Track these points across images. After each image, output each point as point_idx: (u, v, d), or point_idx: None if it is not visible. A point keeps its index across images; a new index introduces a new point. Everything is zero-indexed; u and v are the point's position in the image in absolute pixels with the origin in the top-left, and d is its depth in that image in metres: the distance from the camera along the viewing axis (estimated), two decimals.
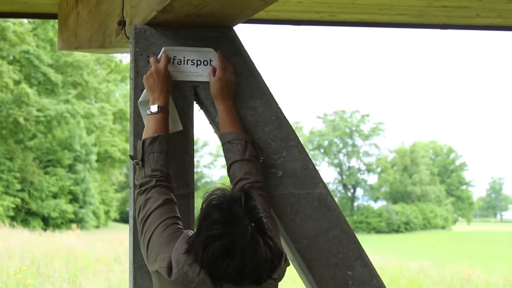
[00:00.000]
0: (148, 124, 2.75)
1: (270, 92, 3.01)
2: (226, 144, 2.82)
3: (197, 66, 2.92)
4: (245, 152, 2.79)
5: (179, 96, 2.89)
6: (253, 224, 2.15)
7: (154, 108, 2.74)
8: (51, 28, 35.71)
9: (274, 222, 2.70)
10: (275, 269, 2.25)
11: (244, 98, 2.96)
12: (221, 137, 2.87)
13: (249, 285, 2.19)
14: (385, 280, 3.19)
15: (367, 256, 3.03)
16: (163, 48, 2.85)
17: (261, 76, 3.01)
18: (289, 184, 2.97)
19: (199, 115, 3.03)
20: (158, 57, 2.86)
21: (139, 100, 2.86)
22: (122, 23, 3.08)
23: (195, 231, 2.24)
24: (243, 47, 2.99)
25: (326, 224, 2.98)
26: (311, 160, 3.01)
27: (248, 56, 3.00)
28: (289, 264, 2.43)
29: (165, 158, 2.67)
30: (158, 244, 2.45)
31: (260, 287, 2.22)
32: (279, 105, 3.03)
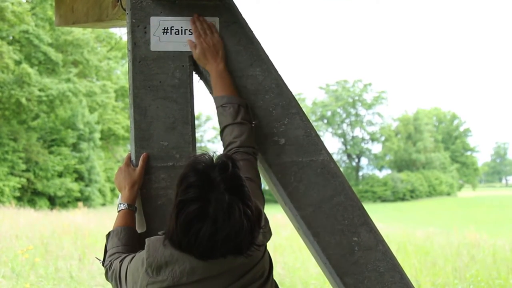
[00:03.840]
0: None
1: (269, 60, 2.98)
2: (219, 108, 2.78)
3: None
4: (237, 116, 2.75)
5: (178, 66, 2.86)
6: (230, 190, 2.08)
7: (119, 207, 2.76)
8: (49, 7, 35.57)
9: (256, 186, 2.60)
10: (257, 236, 2.18)
11: (244, 67, 2.93)
12: (214, 101, 2.83)
13: (229, 256, 2.13)
14: (392, 247, 3.18)
15: (372, 222, 3.01)
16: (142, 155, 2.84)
17: (260, 44, 2.97)
18: (292, 151, 2.95)
19: (199, 86, 3.01)
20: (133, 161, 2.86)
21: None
22: None
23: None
24: (241, 15, 2.95)
25: (330, 190, 2.96)
26: (313, 127, 2.99)
27: (247, 24, 2.96)
28: (268, 223, 2.35)
29: (115, 252, 2.60)
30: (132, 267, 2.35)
31: (242, 256, 2.16)
32: (279, 73, 3.00)
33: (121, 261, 2.44)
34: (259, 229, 2.20)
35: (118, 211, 2.77)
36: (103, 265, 2.61)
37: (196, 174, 2.10)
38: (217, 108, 2.81)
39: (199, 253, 2.11)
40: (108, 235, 2.69)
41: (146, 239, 2.25)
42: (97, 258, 2.73)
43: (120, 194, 2.83)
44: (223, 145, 2.78)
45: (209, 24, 2.87)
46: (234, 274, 2.19)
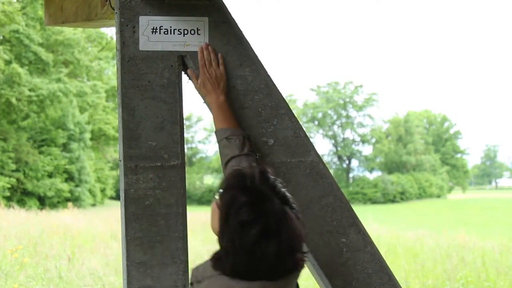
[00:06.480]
0: None
1: (259, 60, 2.97)
2: (223, 141, 2.76)
3: (184, 36, 2.88)
4: (243, 147, 2.74)
5: (166, 66, 2.85)
6: (282, 200, 2.04)
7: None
8: (40, 6, 35.49)
9: None
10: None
11: (233, 67, 2.92)
12: (217, 133, 2.81)
13: (287, 276, 2.05)
14: (382, 249, 3.18)
15: (361, 223, 3.01)
16: None
17: (249, 44, 2.96)
18: (281, 152, 2.94)
19: (189, 87, 3.00)
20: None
21: None
22: None
23: (219, 221, 2.07)
24: (230, 15, 2.94)
25: (319, 191, 2.96)
26: (302, 128, 2.98)
27: (236, 24, 2.96)
28: None
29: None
30: None
31: (297, 271, 2.08)
32: (269, 73, 3.00)
33: None
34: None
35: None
36: None
37: (246, 191, 2.03)
38: (220, 140, 2.78)
39: (268, 272, 2.01)
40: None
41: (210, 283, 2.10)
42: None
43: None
44: None
45: (217, 56, 2.87)
46: None
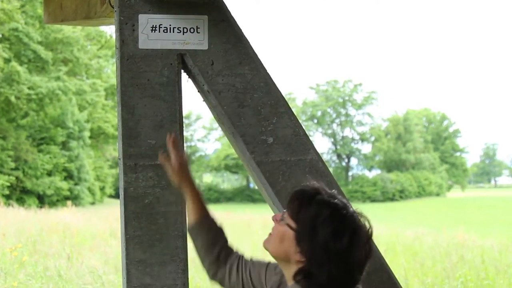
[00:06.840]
0: None
1: (258, 59, 2.97)
2: (221, 229, 2.60)
3: (183, 34, 2.87)
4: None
5: (166, 64, 2.85)
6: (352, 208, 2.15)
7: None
8: (39, 5, 35.44)
9: None
10: None
11: (232, 65, 2.92)
12: (204, 221, 2.59)
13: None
14: (381, 248, 3.18)
15: None
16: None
17: (249, 43, 2.96)
18: (280, 151, 2.94)
19: (188, 85, 2.99)
20: None
21: None
22: None
23: (300, 238, 2.11)
24: (230, 13, 2.94)
25: None
26: (301, 126, 2.98)
27: (236, 23, 2.95)
28: None
29: None
30: None
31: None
32: (268, 71, 2.99)
33: None
34: None
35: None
36: None
37: (327, 204, 2.11)
38: (217, 230, 2.58)
39: (358, 277, 2.12)
40: None
41: None
42: None
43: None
44: (221, 263, 2.55)
45: (179, 147, 2.66)
46: None
